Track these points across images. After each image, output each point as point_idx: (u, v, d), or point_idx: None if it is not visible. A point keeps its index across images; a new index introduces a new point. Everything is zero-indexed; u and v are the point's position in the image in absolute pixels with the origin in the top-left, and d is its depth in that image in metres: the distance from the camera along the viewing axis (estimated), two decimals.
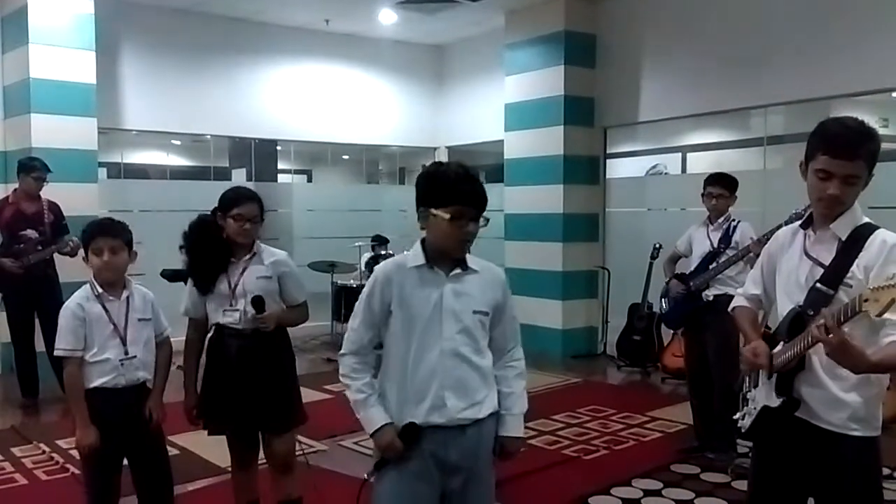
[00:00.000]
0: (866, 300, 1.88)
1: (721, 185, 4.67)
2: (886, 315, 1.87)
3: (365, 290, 2.33)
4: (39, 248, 5.94)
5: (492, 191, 2.29)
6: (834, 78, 6.10)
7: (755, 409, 2.34)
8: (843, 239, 2.20)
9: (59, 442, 4.94)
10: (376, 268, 2.38)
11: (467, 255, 2.30)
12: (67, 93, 6.87)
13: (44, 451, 4.85)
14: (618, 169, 8.74)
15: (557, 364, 7.52)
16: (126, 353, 2.95)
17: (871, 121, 2.29)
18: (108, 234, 2.96)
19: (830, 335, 1.93)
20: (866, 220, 2.23)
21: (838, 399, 2.17)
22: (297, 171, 11.85)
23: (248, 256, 3.24)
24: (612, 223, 8.21)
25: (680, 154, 10.10)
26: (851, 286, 2.13)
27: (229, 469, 3.52)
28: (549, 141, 7.98)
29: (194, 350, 3.30)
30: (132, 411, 2.98)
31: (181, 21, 8.18)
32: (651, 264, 6.89)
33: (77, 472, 4.25)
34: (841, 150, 2.12)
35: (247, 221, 3.17)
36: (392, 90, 9.77)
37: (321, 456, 4.64)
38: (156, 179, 11.33)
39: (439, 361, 2.22)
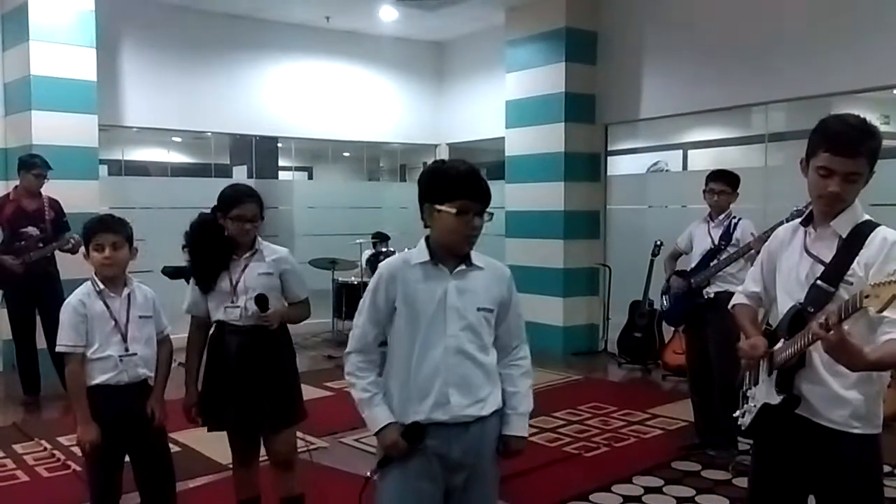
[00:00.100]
0: (867, 296, 1.87)
1: (723, 182, 4.67)
2: (885, 313, 1.87)
3: (369, 286, 2.33)
4: (40, 245, 5.95)
5: (493, 188, 2.29)
6: (835, 75, 6.09)
7: (755, 406, 2.34)
8: (844, 236, 2.20)
9: (61, 439, 4.95)
10: (381, 264, 2.38)
11: (472, 253, 2.30)
12: (68, 89, 6.87)
13: (45, 448, 4.86)
14: (619, 166, 8.73)
15: (558, 361, 7.52)
16: (127, 349, 2.95)
17: (873, 118, 2.29)
18: (109, 230, 2.96)
19: (830, 332, 1.93)
20: (867, 217, 2.23)
21: (839, 396, 2.17)
22: (297, 168, 11.85)
23: (249, 253, 3.24)
24: (613, 220, 8.21)
25: (681, 151, 10.09)
26: (852, 283, 2.13)
27: (230, 466, 3.52)
28: (550, 138, 7.97)
29: (196, 347, 3.30)
30: (134, 408, 2.98)
31: (182, 18, 8.18)
32: (652, 261, 6.88)
33: (78, 468, 4.27)
34: (842, 148, 2.12)
35: (247, 222, 3.17)
36: (393, 87, 9.77)
37: (322, 453, 4.63)
38: (156, 176, 11.33)
39: (443, 358, 2.22)
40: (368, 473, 2.32)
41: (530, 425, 2.41)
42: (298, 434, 3.39)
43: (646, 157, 10.03)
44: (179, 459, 3.52)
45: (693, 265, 4.76)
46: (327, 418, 5.07)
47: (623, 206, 8.20)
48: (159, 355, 3.10)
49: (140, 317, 3.02)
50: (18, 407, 5.99)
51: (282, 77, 8.94)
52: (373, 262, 8.23)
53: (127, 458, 3.04)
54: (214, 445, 3.89)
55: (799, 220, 2.38)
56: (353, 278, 8.51)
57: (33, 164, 6.02)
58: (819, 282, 2.19)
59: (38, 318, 6.01)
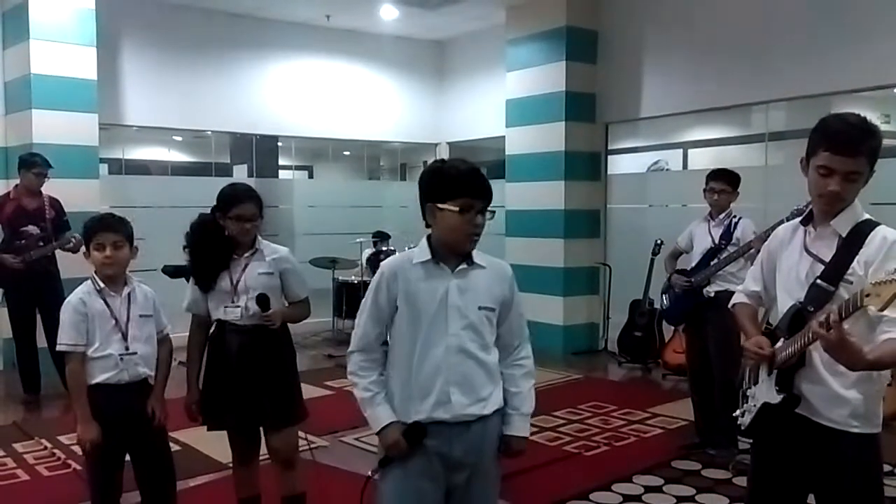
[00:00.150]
0: (867, 295, 1.87)
1: (723, 181, 4.67)
2: (886, 311, 1.87)
3: (371, 285, 2.33)
4: (41, 244, 5.95)
5: (493, 187, 2.30)
6: (836, 74, 6.09)
7: (755, 405, 2.34)
8: (844, 235, 2.20)
9: (61, 438, 4.95)
10: (382, 263, 2.39)
11: (474, 251, 2.30)
12: (68, 88, 6.87)
13: (45, 447, 4.86)
14: (619, 165, 8.73)
15: (558, 360, 7.52)
16: (127, 348, 2.95)
17: (873, 117, 2.29)
18: (110, 230, 2.96)
19: (830, 331, 1.93)
20: (866, 216, 2.23)
21: (839, 396, 2.17)
22: (298, 168, 11.84)
23: (249, 253, 3.24)
24: (613, 219, 8.21)
25: (681, 150, 10.08)
26: (852, 283, 2.12)
27: (230, 465, 3.52)
28: (550, 137, 7.97)
29: (197, 346, 3.31)
30: (134, 407, 2.98)
31: (182, 17, 8.18)
32: (652, 260, 6.88)
33: (79, 467, 4.27)
34: (842, 147, 2.12)
35: (246, 221, 3.17)
36: (393, 86, 9.76)
37: (322, 452, 4.63)
38: (157, 175, 11.32)
39: (444, 357, 2.22)
40: (369, 473, 2.32)
41: (530, 424, 2.41)
42: (299, 433, 3.40)
43: (646, 156, 10.01)
44: (180, 458, 3.52)
45: (693, 264, 4.76)
46: (327, 417, 5.08)
47: (623, 205, 8.20)
48: (159, 354, 3.10)
49: (140, 316, 3.02)
50: (19, 406, 5.99)
51: (282, 76, 8.94)
52: (373, 261, 8.23)
53: (127, 457, 3.04)
54: (215, 444, 3.89)
55: (799, 219, 2.38)
56: (353, 277, 8.51)
57: (34, 163, 6.02)
58: (819, 281, 2.19)
59: (38, 317, 6.02)
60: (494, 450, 2.33)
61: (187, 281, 3.32)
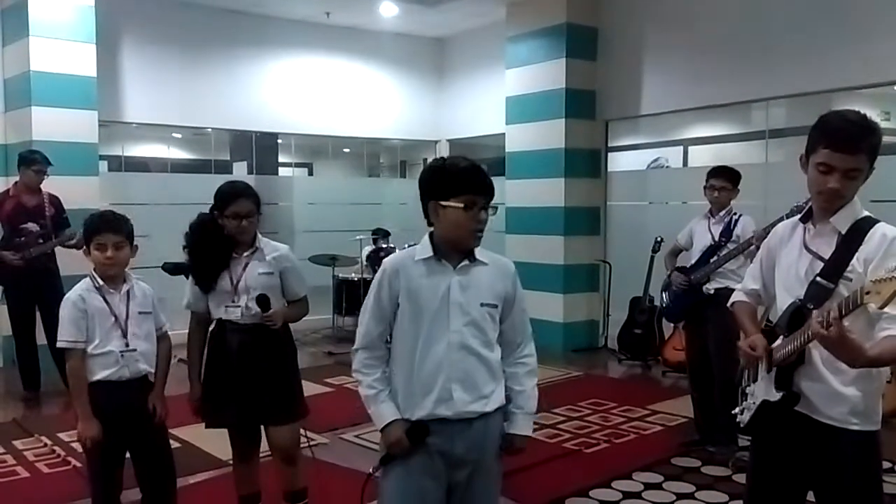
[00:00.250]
0: (868, 292, 1.87)
1: (724, 178, 4.66)
2: (886, 309, 1.87)
3: (374, 283, 2.34)
4: (41, 241, 5.95)
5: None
6: (836, 71, 6.08)
7: (754, 403, 2.34)
8: (843, 232, 2.19)
9: (61, 435, 4.95)
10: (385, 261, 2.39)
11: (477, 248, 2.30)
12: (68, 85, 6.87)
13: (45, 444, 4.86)
14: (619, 162, 8.72)
15: (558, 357, 7.52)
16: (127, 345, 2.96)
17: (873, 114, 2.29)
18: (112, 230, 2.96)
19: (830, 328, 1.93)
20: (866, 213, 2.22)
21: (838, 393, 2.17)
22: (297, 165, 11.84)
23: (249, 252, 3.24)
24: (613, 216, 8.20)
25: (681, 147, 10.06)
26: (851, 280, 2.12)
27: (230, 462, 3.53)
28: (550, 134, 7.96)
29: (197, 342, 3.31)
30: (135, 404, 2.98)
31: (182, 13, 8.17)
32: (652, 258, 6.88)
33: (79, 464, 4.27)
34: (842, 144, 2.12)
35: (243, 219, 3.17)
36: (393, 83, 9.76)
37: (322, 449, 4.63)
38: (156, 172, 11.30)
39: (446, 354, 2.22)
40: (370, 470, 2.32)
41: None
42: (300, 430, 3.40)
43: (646, 153, 10.00)
44: (180, 455, 3.52)
45: (693, 262, 4.76)
46: (328, 414, 5.08)
47: (623, 203, 8.19)
48: (159, 351, 3.10)
49: (139, 313, 3.03)
50: (18, 403, 5.99)
51: (282, 73, 8.93)
52: (373, 258, 8.24)
53: (127, 454, 3.05)
54: (215, 441, 3.89)
55: (798, 216, 2.37)
56: (353, 275, 8.51)
57: (33, 160, 6.02)
58: (818, 278, 2.19)
59: (38, 314, 6.02)
60: (496, 447, 2.33)
61: (187, 278, 3.32)
